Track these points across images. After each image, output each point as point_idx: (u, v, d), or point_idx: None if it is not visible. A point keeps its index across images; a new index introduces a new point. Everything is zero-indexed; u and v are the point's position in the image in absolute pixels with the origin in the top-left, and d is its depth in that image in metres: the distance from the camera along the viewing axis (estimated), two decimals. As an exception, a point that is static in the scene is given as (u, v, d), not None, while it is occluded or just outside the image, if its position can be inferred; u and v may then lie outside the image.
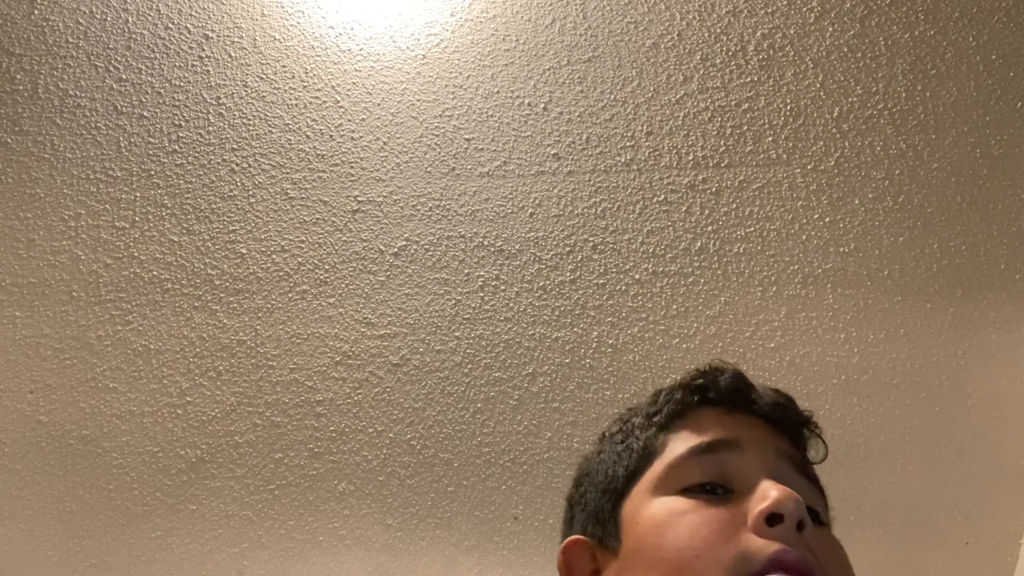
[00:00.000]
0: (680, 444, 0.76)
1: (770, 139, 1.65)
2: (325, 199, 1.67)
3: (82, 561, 1.56)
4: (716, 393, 0.79)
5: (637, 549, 0.72)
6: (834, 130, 1.64)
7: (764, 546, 0.66)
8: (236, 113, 1.70)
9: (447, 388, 1.60)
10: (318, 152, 1.68)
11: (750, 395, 0.79)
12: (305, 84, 1.71)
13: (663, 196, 1.64)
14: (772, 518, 0.67)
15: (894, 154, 1.63)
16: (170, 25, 1.74)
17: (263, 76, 1.71)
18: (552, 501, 1.55)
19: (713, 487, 0.72)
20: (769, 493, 0.68)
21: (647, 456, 0.78)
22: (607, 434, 0.85)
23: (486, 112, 1.68)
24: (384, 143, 1.68)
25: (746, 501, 0.70)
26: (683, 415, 0.79)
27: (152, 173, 1.69)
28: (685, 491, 0.72)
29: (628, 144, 1.66)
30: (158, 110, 1.71)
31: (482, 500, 1.57)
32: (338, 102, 1.70)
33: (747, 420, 0.78)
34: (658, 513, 0.72)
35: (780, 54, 1.67)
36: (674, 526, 0.70)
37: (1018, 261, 1.59)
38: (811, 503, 0.74)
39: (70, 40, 1.74)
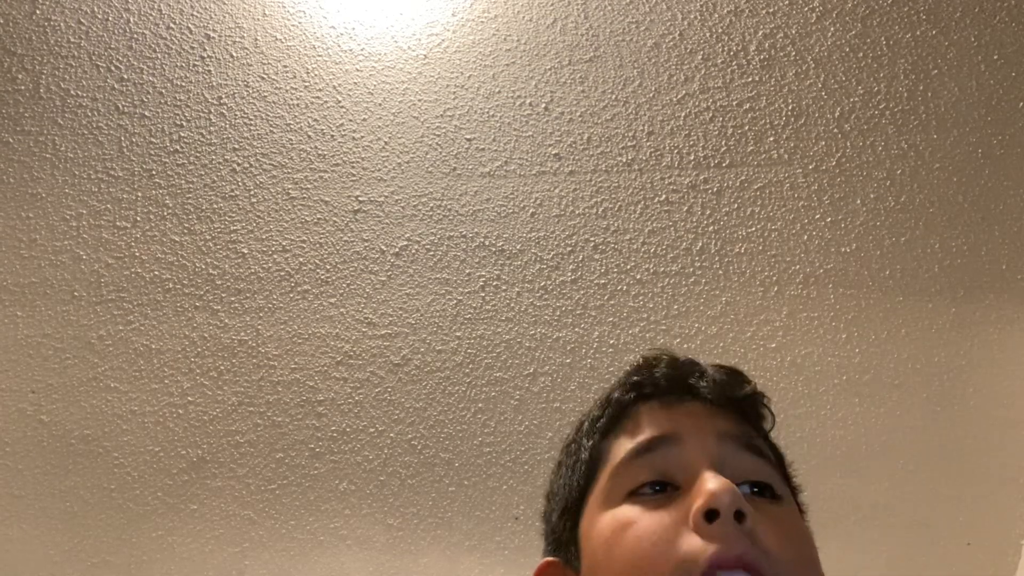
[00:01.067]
0: (621, 448, 0.75)
1: (772, 139, 1.65)
2: (326, 199, 1.67)
3: (83, 560, 1.56)
4: (652, 387, 0.78)
5: (593, 567, 0.72)
6: (836, 130, 1.64)
7: (702, 549, 0.64)
8: (237, 113, 1.70)
9: (448, 388, 1.60)
10: (319, 152, 1.68)
11: (687, 382, 0.77)
12: (306, 84, 1.71)
13: (664, 196, 1.64)
14: (709, 514, 0.66)
15: (896, 154, 1.63)
16: (172, 25, 1.74)
17: (264, 76, 1.71)
18: (553, 501, 1.55)
19: (661, 486, 0.71)
20: (704, 487, 0.67)
21: (593, 466, 0.76)
22: (564, 445, 0.83)
23: (487, 112, 1.68)
24: (385, 143, 1.68)
25: (688, 494, 0.68)
26: (623, 416, 0.77)
27: (154, 173, 1.69)
28: (632, 495, 0.71)
29: (629, 144, 1.66)
30: (160, 110, 1.71)
31: (483, 500, 1.57)
32: (339, 102, 1.70)
33: (688, 408, 0.76)
34: (605, 527, 0.71)
35: (782, 54, 1.67)
36: (620, 540, 0.69)
37: (1019, 261, 1.59)
38: (761, 478, 0.72)
39: (72, 40, 1.74)
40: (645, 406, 0.77)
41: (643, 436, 0.74)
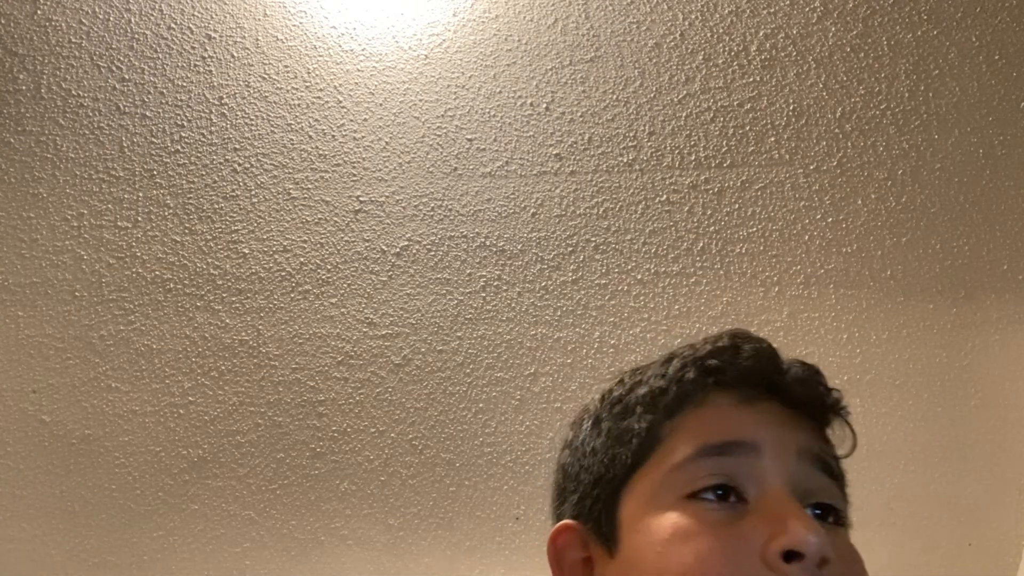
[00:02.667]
0: (687, 440, 0.67)
1: (772, 139, 1.65)
2: (327, 199, 1.67)
3: (84, 560, 1.56)
4: (734, 376, 0.69)
5: (637, 562, 0.66)
6: (837, 130, 1.64)
7: None
8: (238, 113, 1.70)
9: (449, 388, 1.60)
10: (320, 152, 1.68)
11: (773, 379, 0.69)
12: (307, 84, 1.71)
13: (665, 196, 1.64)
14: (790, 555, 0.60)
15: (897, 154, 1.63)
16: (173, 25, 1.74)
17: (265, 76, 1.71)
18: (554, 501, 1.55)
19: (724, 491, 0.65)
20: (789, 527, 0.61)
21: (649, 444, 0.69)
22: (606, 400, 0.75)
23: (488, 112, 1.68)
24: (386, 143, 1.68)
25: (760, 518, 0.63)
26: (693, 399, 0.69)
27: (155, 173, 1.69)
28: (692, 497, 0.65)
29: (630, 144, 1.66)
30: (161, 110, 1.71)
31: (484, 500, 1.57)
32: (340, 102, 1.70)
33: (768, 410, 0.69)
34: (662, 529, 0.65)
35: (783, 54, 1.67)
36: (679, 550, 0.63)
37: (1021, 261, 1.59)
38: (832, 501, 0.68)
39: (73, 40, 1.74)
40: (721, 395, 0.69)
41: (717, 437, 0.67)
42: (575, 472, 0.74)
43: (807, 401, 0.70)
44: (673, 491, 0.66)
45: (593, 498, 0.71)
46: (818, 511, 0.67)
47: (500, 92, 1.69)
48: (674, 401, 0.70)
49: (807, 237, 1.61)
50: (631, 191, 1.65)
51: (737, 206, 1.63)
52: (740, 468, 0.66)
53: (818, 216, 1.62)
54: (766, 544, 0.61)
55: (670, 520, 0.65)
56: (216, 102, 1.71)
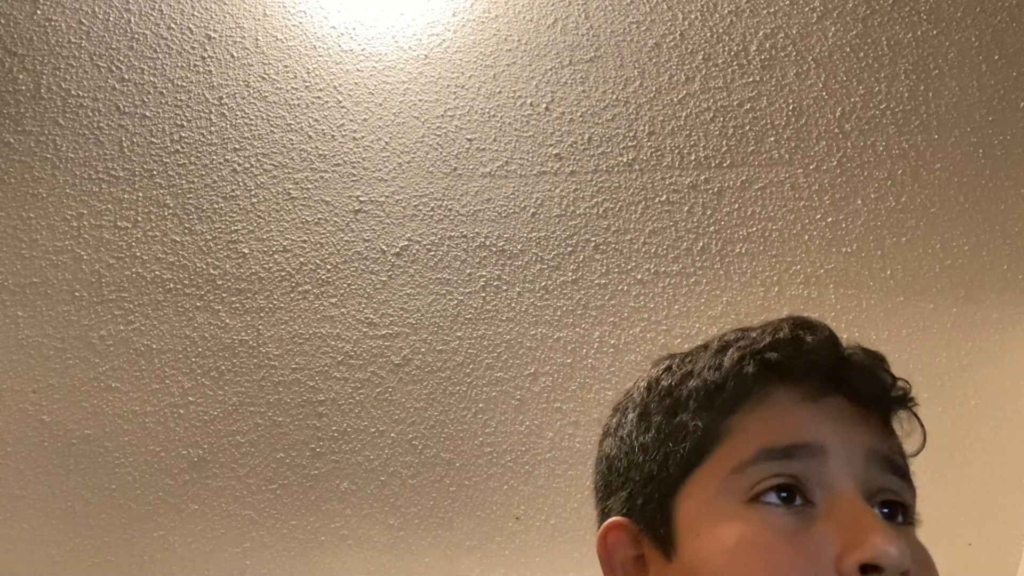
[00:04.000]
0: (748, 441, 0.64)
1: (772, 139, 1.65)
2: (327, 199, 1.67)
3: (84, 560, 1.56)
4: (797, 371, 0.65)
5: (698, 569, 0.63)
6: (836, 130, 1.64)
7: None
8: (238, 113, 1.70)
9: (449, 388, 1.60)
10: (320, 152, 1.68)
11: (838, 371, 0.65)
12: (307, 84, 1.71)
13: (665, 196, 1.64)
14: (867, 567, 0.58)
15: (896, 154, 1.63)
16: (172, 25, 1.74)
17: (265, 76, 1.71)
18: (554, 501, 1.55)
19: (789, 492, 0.61)
20: (869, 538, 0.58)
21: (706, 445, 0.65)
22: (653, 390, 0.71)
23: (488, 112, 1.68)
24: (386, 143, 1.68)
25: (833, 526, 0.60)
26: (752, 395, 0.65)
27: (154, 173, 1.69)
28: (756, 500, 0.62)
29: (630, 144, 1.66)
30: (160, 110, 1.71)
31: (484, 500, 1.57)
32: (340, 102, 1.70)
33: (832, 405, 0.65)
34: (728, 536, 0.61)
35: (782, 54, 1.67)
36: (748, 560, 0.60)
37: (1021, 261, 1.59)
38: (902, 499, 0.65)
39: (73, 40, 1.74)
40: (782, 391, 0.65)
41: (781, 440, 0.63)
42: (623, 467, 0.70)
43: (873, 394, 0.66)
44: (734, 495, 0.63)
45: (645, 496, 0.68)
46: (886, 509, 0.64)
47: (500, 92, 1.69)
48: (732, 398, 0.66)
49: (807, 237, 1.61)
50: (631, 191, 1.65)
51: (737, 206, 1.63)
52: (807, 471, 0.62)
53: (818, 216, 1.62)
54: (841, 555, 0.59)
55: (736, 527, 0.61)
56: (216, 102, 1.71)
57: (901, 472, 0.66)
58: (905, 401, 0.68)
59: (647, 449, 0.69)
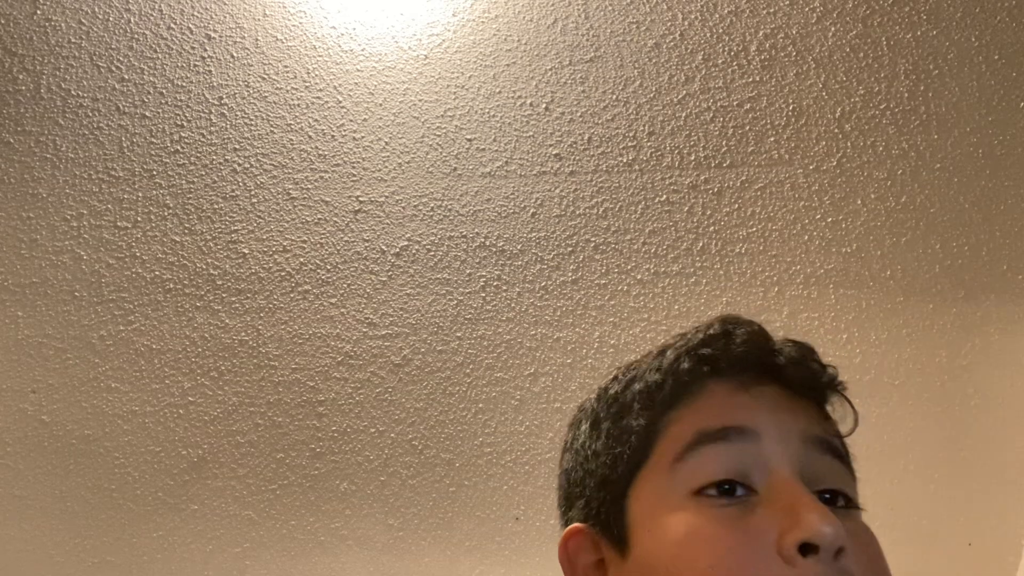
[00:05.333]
0: (685, 427, 0.66)
1: (772, 139, 1.65)
2: (327, 199, 1.67)
3: (84, 561, 1.56)
4: (728, 362, 0.68)
5: (650, 563, 0.65)
6: (836, 130, 1.64)
7: None
8: (238, 113, 1.70)
9: (449, 388, 1.60)
10: (320, 152, 1.68)
11: (770, 361, 0.68)
12: (307, 84, 1.71)
13: (665, 196, 1.64)
14: (806, 547, 0.60)
15: (896, 154, 1.63)
16: (172, 25, 1.74)
17: (265, 76, 1.71)
18: (554, 502, 1.55)
19: (731, 485, 0.64)
20: (803, 518, 0.60)
21: (648, 441, 0.68)
22: (603, 399, 0.74)
23: (488, 112, 1.68)
24: (386, 143, 1.68)
25: (772, 510, 0.62)
26: (688, 390, 0.68)
27: (154, 173, 1.69)
28: (700, 494, 0.64)
29: (630, 144, 1.66)
30: (160, 110, 1.71)
31: (484, 500, 1.57)
32: (340, 102, 1.70)
33: (766, 392, 0.68)
34: (674, 529, 0.63)
35: (782, 54, 1.67)
36: (694, 551, 0.62)
37: (1021, 262, 1.59)
38: (840, 486, 0.67)
39: (72, 40, 1.74)
40: (717, 382, 0.68)
41: (716, 422, 0.66)
42: (579, 477, 0.73)
43: (804, 382, 0.69)
44: (679, 487, 0.65)
45: (600, 500, 0.70)
46: (827, 496, 0.66)
47: (500, 92, 1.69)
48: (670, 394, 0.69)
49: (807, 237, 1.61)
50: (631, 191, 1.65)
51: (737, 206, 1.63)
52: (743, 456, 0.64)
53: (818, 216, 1.62)
54: (780, 537, 0.60)
55: (681, 519, 0.64)
56: (216, 102, 1.71)
57: (839, 454, 0.68)
58: (835, 386, 0.71)
59: (599, 455, 0.71)
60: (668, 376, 0.69)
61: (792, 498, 0.62)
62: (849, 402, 0.71)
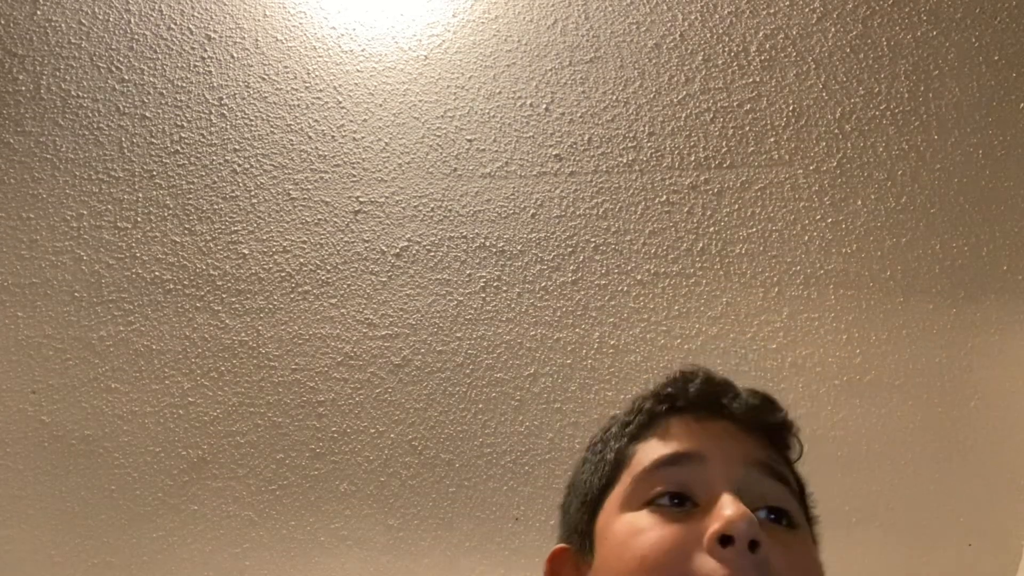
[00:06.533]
0: (646, 455, 0.77)
1: (772, 140, 1.65)
2: (327, 200, 1.67)
3: (84, 561, 1.56)
4: (684, 401, 0.80)
5: (605, 564, 0.74)
6: (836, 131, 1.64)
7: (714, 570, 0.67)
8: (238, 114, 1.70)
9: (449, 389, 1.60)
10: (320, 153, 1.68)
11: (720, 401, 0.79)
12: (307, 85, 1.71)
13: (665, 197, 1.64)
14: (724, 539, 0.67)
15: (896, 155, 1.63)
16: (172, 26, 1.74)
17: (265, 77, 1.71)
18: (553, 502, 1.55)
19: (680, 499, 0.73)
20: (722, 512, 0.68)
21: (617, 467, 0.79)
22: (591, 443, 0.86)
23: (488, 113, 1.68)
24: (386, 144, 1.68)
25: (705, 515, 0.70)
26: (652, 425, 0.79)
27: (154, 174, 1.69)
28: (650, 503, 0.73)
29: (630, 145, 1.66)
30: (160, 111, 1.71)
31: (483, 501, 1.57)
32: (340, 103, 1.70)
33: (718, 426, 0.78)
34: (621, 530, 0.73)
35: (782, 55, 1.67)
36: (633, 545, 0.71)
37: (1021, 262, 1.59)
38: (780, 504, 0.74)
39: (72, 41, 1.74)
40: (676, 418, 0.79)
41: (670, 449, 0.76)
42: (568, 503, 0.85)
43: (757, 419, 0.79)
44: (635, 499, 0.75)
45: (578, 519, 0.81)
46: (772, 516, 0.73)
47: (500, 93, 1.69)
48: (636, 427, 0.80)
49: (807, 237, 1.61)
50: (631, 192, 1.65)
51: (737, 206, 1.63)
52: (691, 476, 0.74)
53: (818, 216, 1.62)
54: (705, 533, 0.69)
55: (629, 522, 0.73)
56: (216, 103, 1.71)
57: (781, 477, 0.76)
58: (782, 424, 0.81)
59: (583, 484, 0.83)
60: (636, 414, 0.81)
61: (719, 504, 0.70)
62: (797, 437, 0.82)
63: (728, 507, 0.69)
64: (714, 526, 0.68)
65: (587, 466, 0.83)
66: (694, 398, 0.79)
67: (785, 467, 0.78)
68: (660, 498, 0.73)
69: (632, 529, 0.72)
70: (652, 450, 0.77)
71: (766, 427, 0.80)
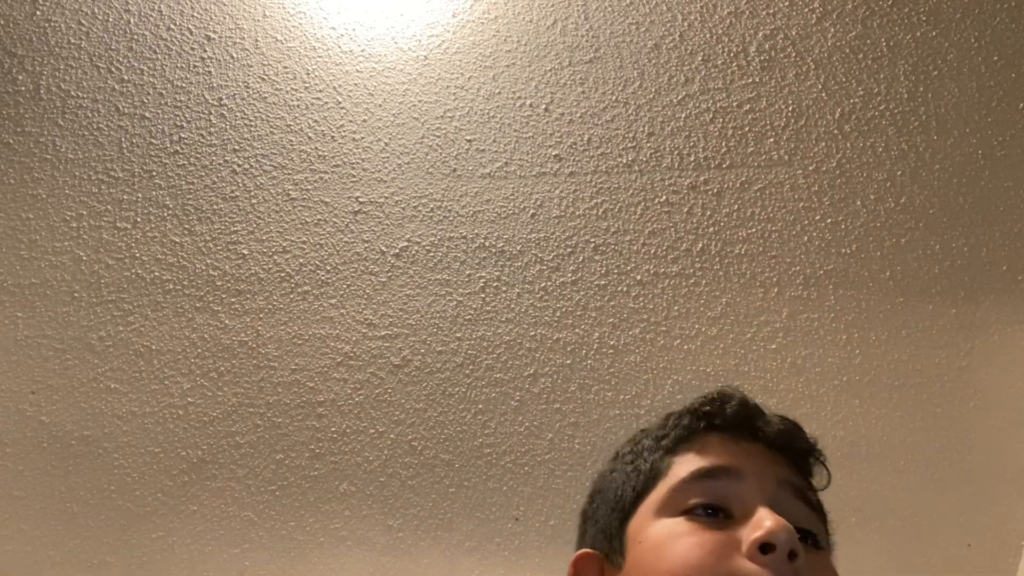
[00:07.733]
0: (684, 467, 0.80)
1: (772, 140, 1.65)
2: (326, 200, 1.67)
3: (83, 561, 1.56)
4: (722, 420, 0.83)
5: (638, 566, 0.77)
6: (836, 131, 1.64)
7: (755, 572, 0.70)
8: (238, 114, 1.70)
9: (448, 389, 1.60)
10: (320, 153, 1.68)
11: (755, 423, 0.83)
12: (307, 85, 1.71)
13: (665, 197, 1.64)
14: (765, 547, 0.70)
15: (896, 155, 1.63)
16: (172, 26, 1.74)
17: (265, 77, 1.71)
18: (553, 502, 1.55)
19: (714, 510, 0.75)
20: (764, 523, 0.71)
21: (653, 477, 0.81)
22: (619, 453, 0.89)
23: (488, 113, 1.68)
24: (386, 144, 1.68)
25: (743, 528, 0.73)
26: (689, 440, 0.82)
27: (154, 174, 1.69)
28: (686, 513, 0.76)
29: (630, 145, 1.66)
30: (160, 111, 1.71)
31: (483, 501, 1.57)
32: (340, 103, 1.70)
33: (751, 447, 0.81)
34: (658, 533, 0.76)
35: (782, 55, 1.67)
36: (671, 546, 0.74)
37: (1020, 262, 1.59)
38: (808, 526, 0.77)
39: (72, 41, 1.74)
40: (713, 436, 0.82)
41: (708, 462, 0.79)
42: (594, 510, 0.87)
43: (786, 445, 0.83)
44: (671, 507, 0.78)
45: (607, 524, 0.83)
46: (799, 536, 0.75)
47: (499, 93, 1.69)
48: (673, 442, 0.83)
49: (806, 238, 1.61)
50: (630, 192, 1.65)
51: (736, 207, 1.63)
52: (728, 490, 0.77)
53: (817, 217, 1.62)
54: (746, 541, 0.72)
55: (666, 526, 0.76)
56: (215, 103, 1.71)
57: (809, 502, 0.80)
58: (812, 450, 0.85)
59: (613, 491, 0.86)
60: (672, 429, 0.84)
61: (759, 515, 0.73)
62: (824, 464, 0.85)
63: (768, 519, 0.72)
64: (756, 534, 0.71)
65: (616, 475, 0.86)
66: (731, 418, 0.83)
67: (813, 494, 0.82)
68: (696, 508, 0.76)
69: (671, 533, 0.75)
70: (689, 463, 0.80)
71: (795, 452, 0.83)
